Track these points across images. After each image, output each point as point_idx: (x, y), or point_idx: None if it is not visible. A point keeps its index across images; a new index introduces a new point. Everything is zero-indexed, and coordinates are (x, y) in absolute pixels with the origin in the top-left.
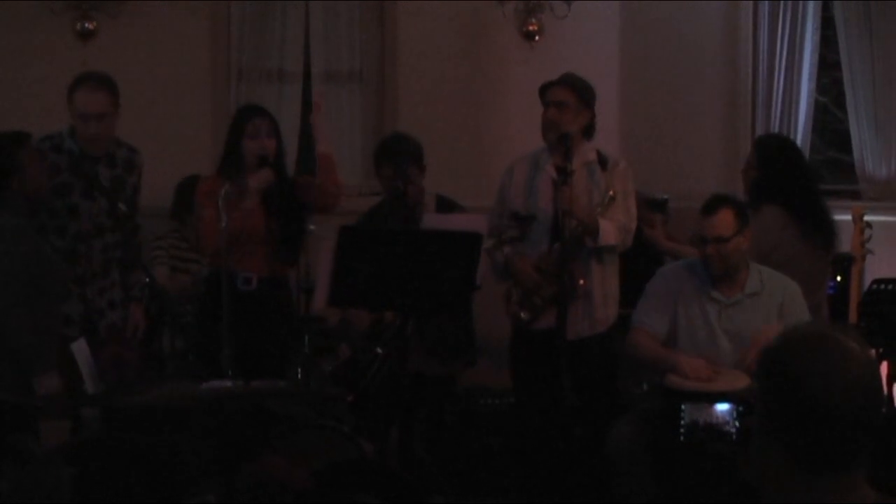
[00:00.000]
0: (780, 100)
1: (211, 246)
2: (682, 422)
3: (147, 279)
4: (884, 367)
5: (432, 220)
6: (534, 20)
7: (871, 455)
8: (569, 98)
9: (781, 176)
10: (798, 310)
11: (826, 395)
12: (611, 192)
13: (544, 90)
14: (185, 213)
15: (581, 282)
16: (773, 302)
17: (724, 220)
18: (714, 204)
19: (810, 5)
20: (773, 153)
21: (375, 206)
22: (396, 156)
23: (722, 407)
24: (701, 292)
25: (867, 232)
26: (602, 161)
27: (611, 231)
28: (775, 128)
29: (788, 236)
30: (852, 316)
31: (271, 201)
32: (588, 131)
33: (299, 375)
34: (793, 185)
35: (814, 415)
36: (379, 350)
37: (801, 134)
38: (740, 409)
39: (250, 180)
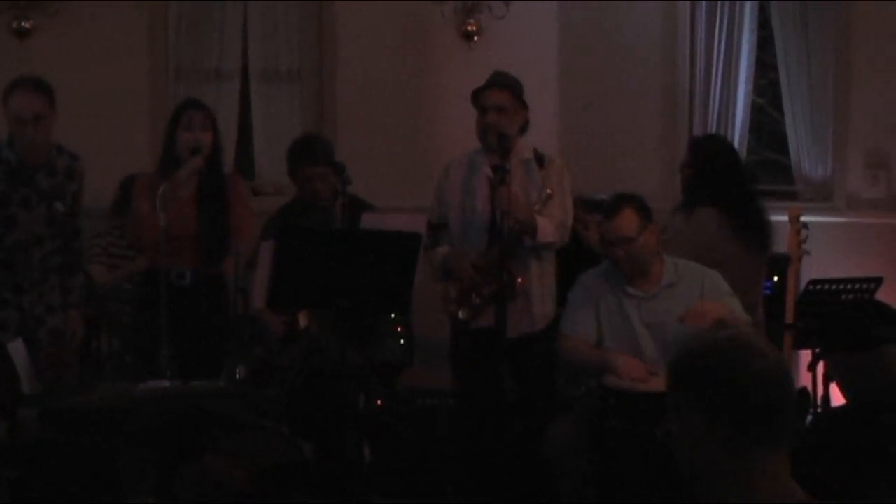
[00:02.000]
0: (717, 100)
1: (148, 240)
2: None
3: (84, 281)
4: (820, 367)
5: (371, 220)
6: (472, 20)
7: (799, 456)
8: (507, 101)
9: (716, 177)
10: (720, 292)
11: (758, 381)
12: (548, 190)
13: (478, 94)
14: (126, 210)
15: (519, 280)
16: (692, 292)
17: (628, 221)
18: (615, 206)
19: (747, 6)
20: (708, 154)
21: (286, 206)
22: (326, 156)
23: None
24: (618, 291)
25: (804, 233)
26: (539, 159)
27: (548, 228)
28: (713, 128)
29: (723, 237)
30: (789, 316)
31: (203, 197)
32: (523, 128)
33: (238, 375)
34: (727, 185)
35: (751, 400)
36: (295, 357)
37: (738, 134)
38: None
39: (180, 171)
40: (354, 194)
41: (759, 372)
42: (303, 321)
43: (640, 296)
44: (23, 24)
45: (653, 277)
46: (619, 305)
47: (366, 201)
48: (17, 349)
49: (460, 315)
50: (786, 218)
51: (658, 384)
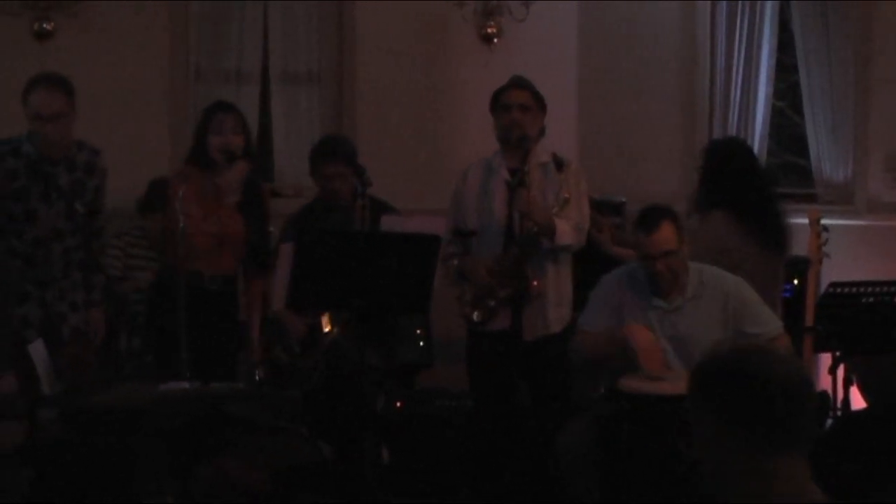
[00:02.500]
0: (737, 103)
1: (200, 245)
2: None
3: (104, 281)
4: (840, 371)
5: (390, 223)
6: (492, 22)
7: (819, 459)
8: (530, 101)
9: (729, 179)
10: (748, 302)
11: (778, 387)
12: (565, 194)
13: (500, 93)
14: (155, 211)
15: (535, 283)
16: (716, 303)
17: (668, 234)
18: (653, 220)
19: (767, 8)
20: (722, 156)
21: (306, 207)
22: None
23: None
24: (643, 300)
25: (824, 235)
26: (557, 163)
27: (567, 231)
28: (732, 131)
29: (737, 240)
30: (809, 319)
31: (245, 202)
32: (540, 132)
33: (257, 377)
34: (742, 188)
35: (773, 403)
36: (317, 360)
37: (758, 138)
38: None
39: (227, 176)
40: (374, 196)
41: (778, 377)
42: (326, 326)
43: (664, 307)
44: (44, 25)
45: (678, 288)
46: (644, 316)
47: (386, 203)
48: (37, 350)
49: (475, 317)
50: (806, 221)
51: (672, 388)
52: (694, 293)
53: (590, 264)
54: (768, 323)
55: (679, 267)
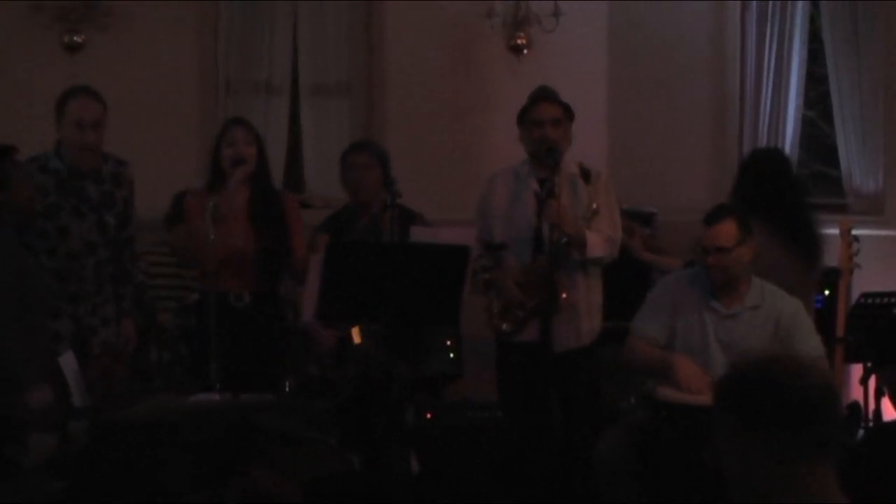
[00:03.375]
0: (767, 114)
1: (210, 263)
2: None
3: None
4: (871, 381)
5: (420, 234)
6: (522, 34)
7: (850, 470)
8: (560, 114)
9: (763, 188)
10: (801, 329)
11: (803, 395)
12: (594, 206)
13: (529, 109)
14: (178, 225)
15: (564, 295)
16: (772, 319)
17: (727, 231)
18: (717, 214)
19: (798, 19)
20: (757, 165)
21: (332, 215)
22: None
23: None
24: (701, 302)
25: (854, 246)
26: (585, 174)
27: (598, 243)
28: (763, 141)
29: (767, 247)
30: (840, 330)
31: (259, 215)
32: (568, 143)
33: (287, 388)
34: (775, 197)
35: (796, 412)
36: (349, 371)
37: (788, 148)
38: None
39: (229, 183)
40: (404, 205)
41: (803, 384)
42: (356, 338)
43: (721, 311)
44: (74, 38)
45: (737, 295)
46: (699, 317)
47: (416, 212)
48: (68, 362)
49: (504, 328)
50: (836, 231)
51: (709, 398)
52: (753, 304)
53: (620, 270)
54: (812, 346)
55: (733, 267)
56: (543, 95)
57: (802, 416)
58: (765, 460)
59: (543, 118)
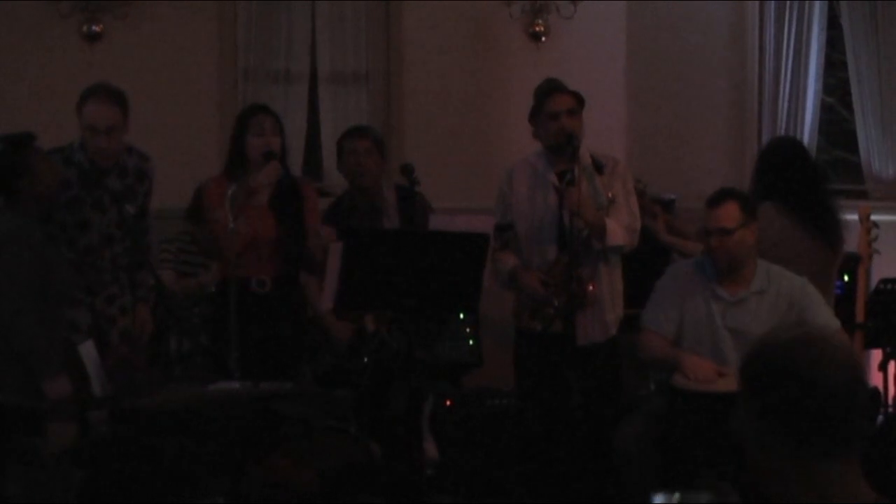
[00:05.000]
0: (786, 100)
1: (229, 249)
2: None
3: (153, 281)
4: (891, 367)
5: (438, 222)
6: (540, 21)
7: (870, 456)
8: (574, 104)
9: (784, 174)
10: (813, 304)
11: (827, 386)
12: (610, 194)
13: (543, 102)
14: (200, 217)
15: (591, 287)
16: (781, 300)
17: (729, 213)
18: (719, 196)
19: (816, 5)
20: (778, 152)
21: (335, 201)
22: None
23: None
24: (706, 290)
25: (874, 232)
26: (597, 164)
27: (618, 231)
28: (782, 127)
29: (788, 234)
30: (859, 315)
31: (279, 202)
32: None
33: (307, 376)
34: (797, 183)
35: (819, 404)
36: (365, 359)
37: (807, 134)
38: None
39: (259, 177)
40: (401, 184)
41: (829, 378)
42: (370, 325)
43: (727, 298)
44: (93, 27)
45: (743, 280)
46: (707, 307)
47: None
48: (88, 351)
49: (538, 327)
50: (856, 217)
51: (727, 385)
52: (759, 288)
53: (641, 258)
54: (828, 318)
55: (736, 249)
56: (555, 87)
57: (827, 412)
58: (784, 453)
59: (559, 109)
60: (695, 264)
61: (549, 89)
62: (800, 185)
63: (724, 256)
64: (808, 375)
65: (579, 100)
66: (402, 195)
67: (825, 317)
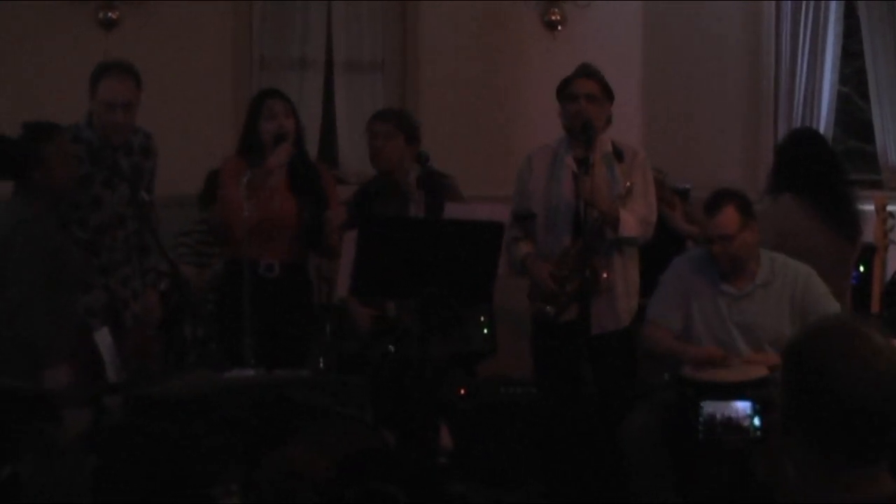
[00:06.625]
0: (802, 90)
1: (238, 232)
2: (701, 417)
3: (168, 267)
4: None
5: (454, 210)
6: (556, 9)
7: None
8: (597, 91)
9: (803, 165)
10: (816, 294)
11: (855, 388)
12: (628, 184)
13: (568, 83)
14: (212, 201)
15: (604, 275)
16: (786, 291)
17: (728, 218)
18: (716, 202)
19: None
20: (799, 143)
21: (362, 187)
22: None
23: (741, 403)
24: (711, 286)
25: (890, 222)
26: (617, 153)
27: (631, 222)
28: (798, 117)
29: (806, 225)
30: (875, 306)
31: (296, 184)
32: (607, 122)
33: (321, 364)
34: (815, 174)
35: (843, 408)
36: (391, 347)
37: (823, 124)
38: (758, 407)
39: (270, 159)
40: (433, 168)
41: (863, 390)
42: (392, 309)
43: (732, 294)
44: (109, 14)
45: (747, 274)
46: (713, 301)
47: (444, 175)
48: (103, 338)
49: (548, 310)
50: (872, 207)
51: (735, 375)
52: (764, 280)
53: (657, 247)
54: (833, 308)
55: (738, 252)
56: (582, 71)
57: (855, 422)
58: (807, 454)
59: (579, 92)
60: (697, 259)
61: (577, 73)
62: (819, 178)
63: (727, 261)
64: (839, 378)
65: (606, 90)
66: (428, 182)
67: (833, 309)
